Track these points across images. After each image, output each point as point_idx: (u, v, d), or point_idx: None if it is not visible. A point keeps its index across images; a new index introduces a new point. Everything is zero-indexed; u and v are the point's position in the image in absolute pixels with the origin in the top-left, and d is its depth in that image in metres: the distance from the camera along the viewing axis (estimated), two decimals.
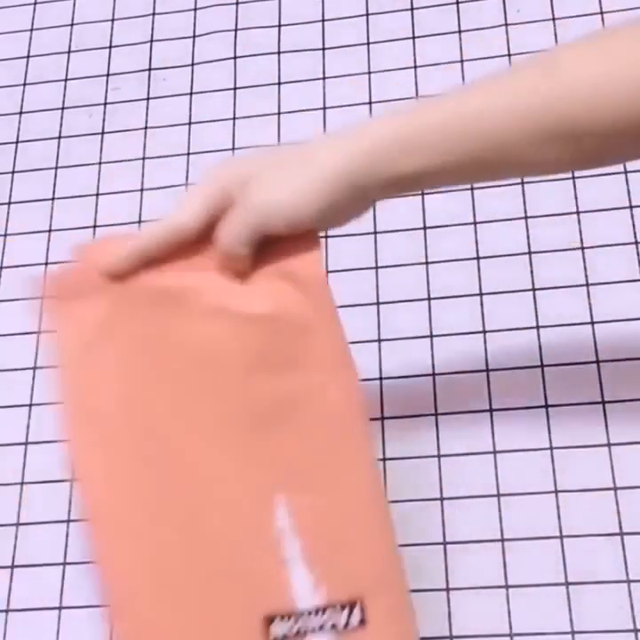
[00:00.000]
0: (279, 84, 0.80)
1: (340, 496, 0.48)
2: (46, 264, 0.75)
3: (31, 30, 0.87)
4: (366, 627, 0.47)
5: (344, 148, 0.44)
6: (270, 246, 0.47)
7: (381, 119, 0.45)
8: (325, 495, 0.48)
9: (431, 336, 0.67)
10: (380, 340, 0.68)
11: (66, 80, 0.84)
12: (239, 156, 0.50)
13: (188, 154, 0.78)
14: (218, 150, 0.78)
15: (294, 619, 0.47)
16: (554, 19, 0.77)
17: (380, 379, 0.67)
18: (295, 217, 0.44)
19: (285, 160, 0.46)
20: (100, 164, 0.79)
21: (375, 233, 0.72)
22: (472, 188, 0.72)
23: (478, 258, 0.70)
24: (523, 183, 0.71)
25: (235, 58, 0.82)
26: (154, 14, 0.85)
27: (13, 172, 0.80)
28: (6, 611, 0.64)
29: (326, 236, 0.72)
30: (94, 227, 0.76)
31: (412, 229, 0.71)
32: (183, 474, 0.49)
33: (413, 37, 0.79)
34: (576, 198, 0.70)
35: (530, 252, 0.69)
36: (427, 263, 0.70)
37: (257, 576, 0.47)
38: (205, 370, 0.48)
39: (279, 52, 0.81)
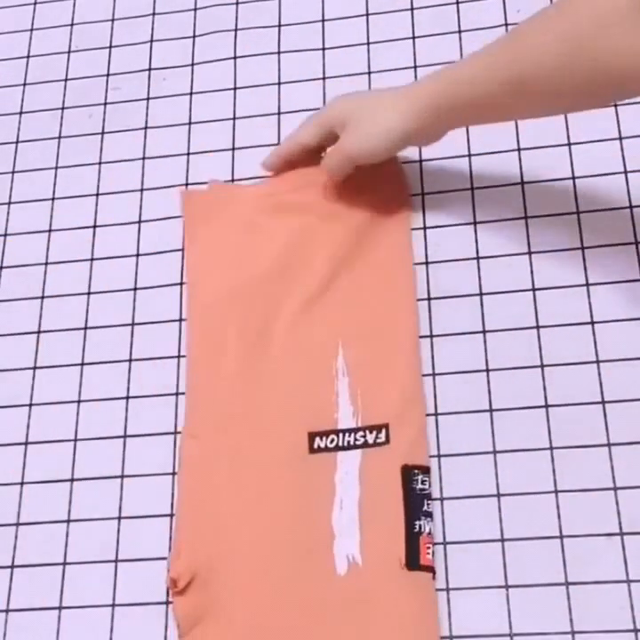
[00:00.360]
0: (279, 84, 0.80)
1: (381, 349, 0.66)
2: (46, 264, 0.75)
3: (31, 30, 0.87)
4: (389, 445, 0.63)
5: (404, 111, 0.64)
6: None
7: (425, 87, 0.64)
8: (369, 347, 0.66)
9: (431, 336, 0.67)
10: None
11: (66, 80, 0.84)
12: (347, 97, 0.69)
13: (188, 154, 0.78)
14: (218, 150, 0.78)
15: (335, 435, 0.64)
16: None
17: None
18: (373, 159, 0.67)
19: (370, 113, 0.65)
20: (100, 163, 0.79)
21: None
22: (472, 189, 0.72)
23: (478, 258, 0.70)
24: (522, 184, 0.71)
25: (235, 58, 0.82)
26: (154, 14, 0.85)
27: (13, 172, 0.80)
28: (6, 611, 0.64)
29: None
30: (94, 227, 0.76)
31: (413, 230, 0.71)
32: (273, 322, 0.68)
33: (413, 37, 0.79)
34: (576, 198, 0.70)
35: (530, 252, 0.69)
36: (427, 263, 0.70)
37: (315, 402, 0.65)
38: (297, 252, 0.70)
39: (279, 52, 0.81)
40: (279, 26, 0.82)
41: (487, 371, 0.66)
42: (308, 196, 0.72)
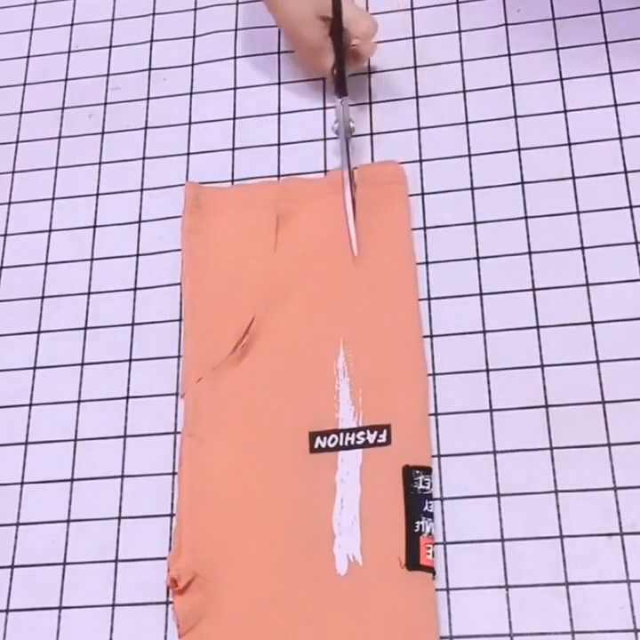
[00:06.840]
0: (279, 84, 0.80)
1: (382, 349, 0.66)
2: (46, 264, 0.75)
3: (31, 30, 0.87)
4: (390, 445, 0.63)
5: None
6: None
7: None
8: (371, 347, 0.66)
9: (431, 336, 0.67)
10: None
11: (66, 80, 0.84)
12: None
13: (188, 154, 0.78)
14: (218, 150, 0.78)
15: (335, 435, 0.64)
16: (554, 19, 0.77)
17: None
18: None
19: None
20: (100, 163, 0.79)
21: None
22: (472, 189, 0.72)
23: (478, 258, 0.70)
24: (522, 183, 0.71)
25: (235, 58, 0.82)
26: (154, 14, 0.85)
27: (13, 172, 0.80)
28: (6, 611, 0.64)
29: None
30: (94, 227, 0.76)
31: (413, 230, 0.71)
32: (273, 321, 0.68)
33: (413, 37, 0.79)
34: (576, 198, 0.70)
35: (530, 252, 0.69)
36: (427, 263, 0.70)
37: (315, 402, 0.65)
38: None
39: (279, 52, 0.81)
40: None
41: (487, 371, 0.66)
42: (310, 204, 0.72)
